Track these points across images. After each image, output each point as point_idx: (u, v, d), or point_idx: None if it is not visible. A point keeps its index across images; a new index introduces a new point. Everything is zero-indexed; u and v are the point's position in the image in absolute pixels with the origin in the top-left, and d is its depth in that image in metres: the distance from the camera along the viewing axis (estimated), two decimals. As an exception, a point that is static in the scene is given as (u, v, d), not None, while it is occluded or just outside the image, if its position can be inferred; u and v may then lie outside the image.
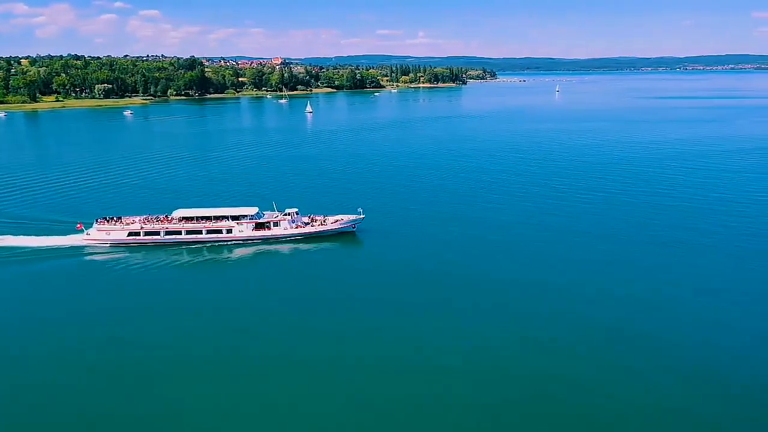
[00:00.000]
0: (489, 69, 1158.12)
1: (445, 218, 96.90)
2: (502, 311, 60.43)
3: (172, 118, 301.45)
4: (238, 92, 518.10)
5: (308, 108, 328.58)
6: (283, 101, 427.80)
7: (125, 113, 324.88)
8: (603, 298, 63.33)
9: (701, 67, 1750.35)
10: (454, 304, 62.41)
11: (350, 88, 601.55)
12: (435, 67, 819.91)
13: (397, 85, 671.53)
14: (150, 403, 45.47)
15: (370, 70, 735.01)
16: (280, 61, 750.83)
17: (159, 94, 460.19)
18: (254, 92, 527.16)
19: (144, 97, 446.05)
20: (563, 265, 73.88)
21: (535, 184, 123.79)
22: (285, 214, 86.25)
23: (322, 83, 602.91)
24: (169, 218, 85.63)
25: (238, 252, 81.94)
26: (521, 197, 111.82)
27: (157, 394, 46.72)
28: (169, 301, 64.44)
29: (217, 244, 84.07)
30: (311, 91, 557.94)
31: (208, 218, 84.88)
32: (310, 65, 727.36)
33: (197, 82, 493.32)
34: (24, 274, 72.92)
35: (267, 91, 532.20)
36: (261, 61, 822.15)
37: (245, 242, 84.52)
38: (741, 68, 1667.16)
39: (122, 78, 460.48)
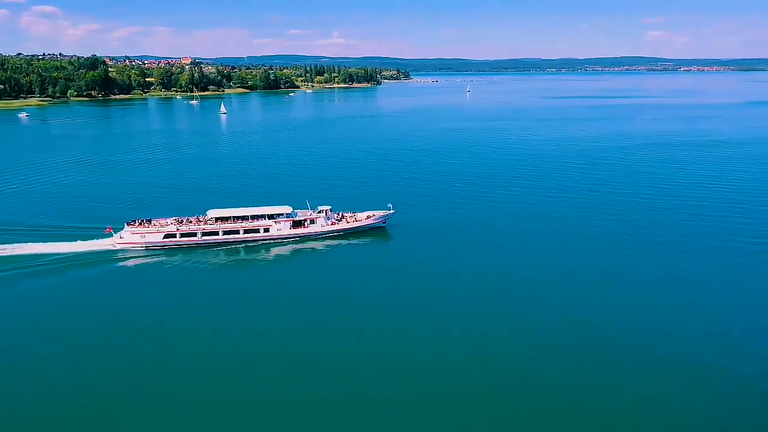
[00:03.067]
0: (403, 69, 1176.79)
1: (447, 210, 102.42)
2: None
3: (74, 121, 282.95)
4: (145, 93, 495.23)
5: (222, 109, 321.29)
6: (194, 102, 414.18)
7: (20, 115, 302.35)
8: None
9: (599, 69, 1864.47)
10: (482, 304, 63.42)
11: (264, 88, 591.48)
12: (349, 68, 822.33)
13: (312, 86, 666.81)
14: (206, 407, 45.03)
15: (284, 71, 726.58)
16: (189, 60, 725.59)
17: (58, 94, 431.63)
18: (163, 93, 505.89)
19: (41, 98, 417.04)
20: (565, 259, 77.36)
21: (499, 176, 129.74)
22: (319, 212, 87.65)
23: (235, 83, 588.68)
24: (203, 219, 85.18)
25: (277, 251, 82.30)
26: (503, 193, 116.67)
27: (214, 394, 46.37)
28: (220, 302, 63.53)
29: (254, 243, 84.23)
30: (223, 91, 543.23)
31: (244, 218, 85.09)
32: (221, 65, 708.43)
33: (100, 82, 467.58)
34: (65, 282, 69.47)
35: (176, 91, 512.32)
36: (169, 60, 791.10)
37: (282, 241, 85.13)
38: (634, 69, 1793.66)
39: (15, 78, 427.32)
